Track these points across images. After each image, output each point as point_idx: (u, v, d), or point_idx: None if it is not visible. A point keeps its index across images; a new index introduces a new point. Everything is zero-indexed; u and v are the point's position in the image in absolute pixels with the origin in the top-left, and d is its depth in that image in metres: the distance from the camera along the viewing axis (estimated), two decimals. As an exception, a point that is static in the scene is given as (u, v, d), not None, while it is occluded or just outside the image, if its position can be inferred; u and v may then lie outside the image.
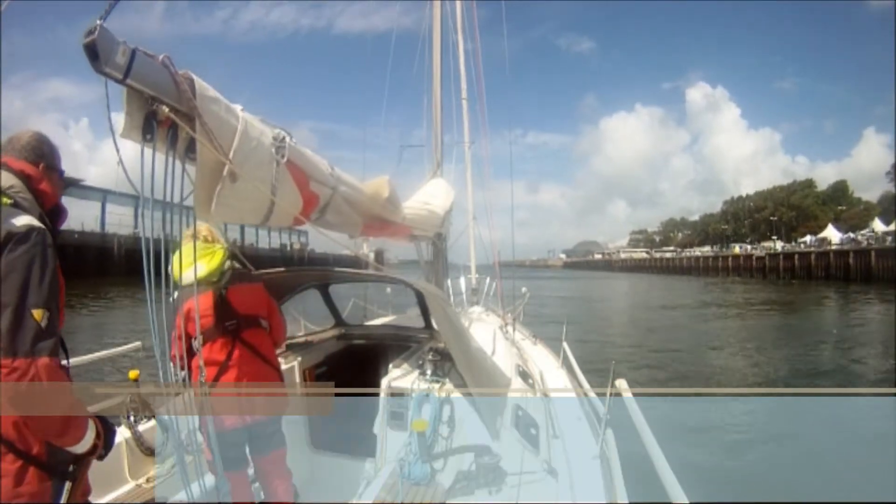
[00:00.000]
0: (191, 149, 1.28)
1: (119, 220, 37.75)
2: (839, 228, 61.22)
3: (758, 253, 61.89)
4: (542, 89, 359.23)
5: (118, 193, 37.77)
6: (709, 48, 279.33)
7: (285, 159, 1.53)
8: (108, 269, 31.35)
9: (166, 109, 1.18)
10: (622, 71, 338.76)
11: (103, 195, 38.54)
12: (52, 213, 1.33)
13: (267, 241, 53.49)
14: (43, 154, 1.35)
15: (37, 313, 1.13)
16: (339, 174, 1.97)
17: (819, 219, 74.39)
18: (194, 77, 1.24)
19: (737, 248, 71.36)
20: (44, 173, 1.33)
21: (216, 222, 2.20)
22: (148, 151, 1.20)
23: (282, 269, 3.39)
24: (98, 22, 1.01)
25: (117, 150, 1.17)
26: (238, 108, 1.40)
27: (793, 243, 63.98)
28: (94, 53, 1.02)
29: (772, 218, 79.04)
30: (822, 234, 60.58)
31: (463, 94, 7.71)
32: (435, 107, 5.39)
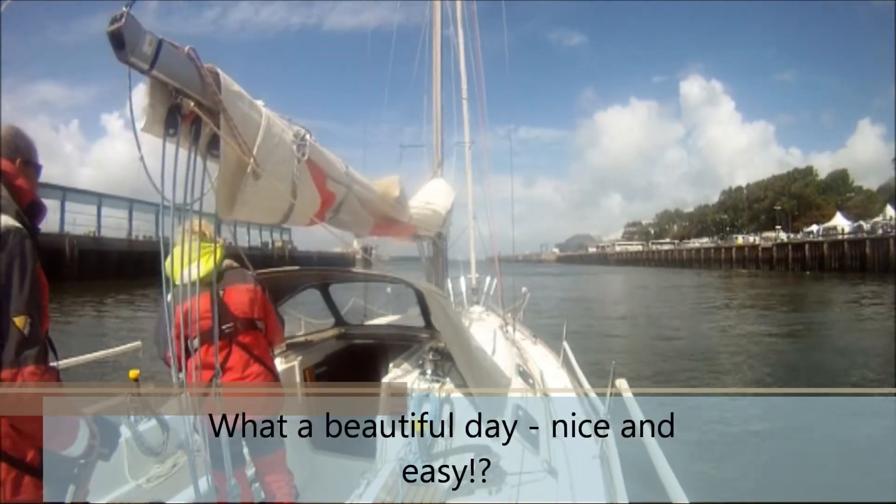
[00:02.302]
0: (212, 145, 1.26)
1: (75, 220, 35.10)
2: (847, 217, 60.54)
3: (764, 244, 60.78)
4: (533, 84, 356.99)
5: (79, 191, 36.00)
6: (702, 41, 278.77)
7: (306, 157, 1.53)
8: (61, 273, 27.95)
9: (191, 103, 1.16)
10: (615, 65, 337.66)
11: (62, 193, 35.50)
12: (30, 210, 1.30)
13: (247, 238, 50.04)
14: (19, 148, 1.31)
15: (18, 321, 1.12)
16: (353, 173, 1.98)
17: (821, 208, 74.51)
18: (219, 71, 1.22)
19: (739, 239, 70.33)
20: (20, 168, 1.30)
21: (236, 222, 2.19)
22: (170, 147, 1.18)
23: (282, 268, 3.42)
24: (124, 9, 0.97)
25: (139, 147, 1.12)
26: (260, 103, 1.39)
27: (800, 233, 62.91)
28: (120, 42, 0.98)
29: (775, 207, 78.97)
30: (830, 223, 59.78)
31: (463, 94, 7.74)
32: (435, 107, 5.43)
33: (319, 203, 1.70)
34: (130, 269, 32.35)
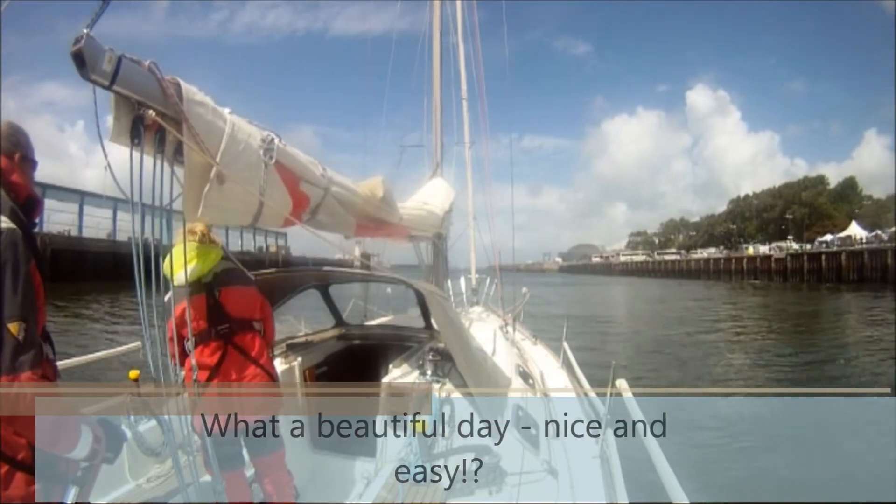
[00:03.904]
0: (179, 152, 1.32)
1: (49, 217, 33.11)
2: (862, 226, 58.42)
3: (777, 254, 58.76)
4: (538, 93, 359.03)
5: (59, 188, 35.21)
6: (707, 51, 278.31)
7: (273, 161, 1.56)
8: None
9: (153, 113, 1.21)
10: (621, 74, 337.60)
11: (42, 190, 32.35)
12: (27, 205, 1.29)
13: (239, 243, 48.51)
14: (19, 143, 1.30)
15: (13, 327, 1.10)
16: (332, 175, 2.00)
17: (833, 217, 72.80)
18: (181, 82, 1.27)
19: (750, 249, 68.57)
20: (18, 163, 1.28)
21: (205, 224, 2.20)
22: (137, 155, 1.24)
23: (283, 269, 3.45)
24: (84, 31, 1.04)
25: (105, 154, 1.20)
26: (226, 111, 1.43)
27: (815, 243, 60.16)
28: (82, 61, 1.05)
29: (787, 216, 76.97)
30: (845, 233, 57.62)
31: (463, 94, 7.82)
32: (435, 108, 5.50)
33: (291, 205, 1.72)
34: (109, 270, 31.36)
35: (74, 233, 35.36)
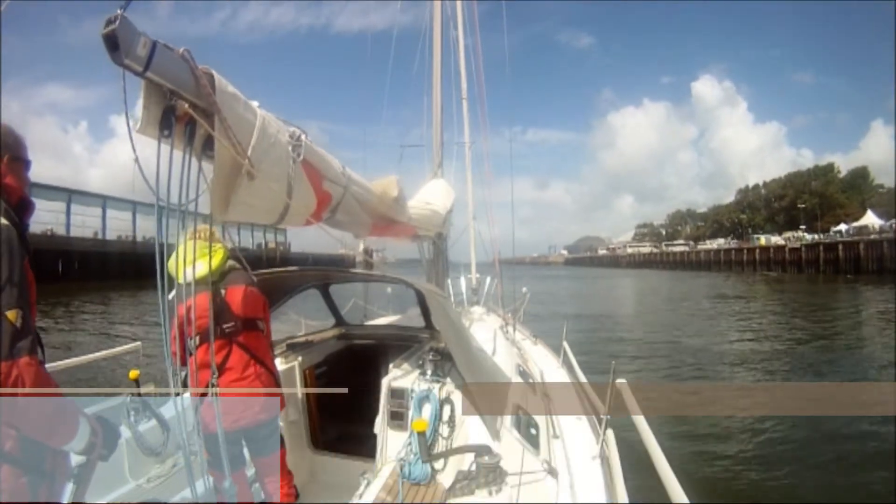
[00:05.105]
0: (207, 146, 1.30)
1: (35, 217, 33.45)
2: (878, 215, 58.02)
3: (791, 244, 58.65)
4: (542, 86, 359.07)
5: (45, 186, 34.85)
6: (713, 42, 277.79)
7: (301, 158, 1.56)
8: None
9: (185, 105, 1.19)
10: (626, 66, 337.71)
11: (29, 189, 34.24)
12: (19, 207, 1.32)
13: (237, 240, 47.91)
14: (7, 145, 1.32)
15: (11, 314, 1.14)
16: (350, 173, 2.03)
17: (845, 206, 72.89)
18: (214, 73, 1.26)
19: (762, 239, 68.42)
20: (9, 165, 1.31)
21: (230, 222, 2.26)
22: (164, 148, 1.22)
23: (283, 269, 3.52)
24: (119, 11, 1.01)
25: (133, 148, 1.16)
26: (256, 105, 1.42)
27: (830, 233, 59.83)
28: (115, 44, 1.02)
29: (799, 205, 77.06)
30: (861, 222, 57.45)
31: (463, 95, 7.92)
32: (435, 108, 5.53)
33: (315, 203, 1.73)
34: (97, 270, 31.49)
35: (61, 232, 35.03)
